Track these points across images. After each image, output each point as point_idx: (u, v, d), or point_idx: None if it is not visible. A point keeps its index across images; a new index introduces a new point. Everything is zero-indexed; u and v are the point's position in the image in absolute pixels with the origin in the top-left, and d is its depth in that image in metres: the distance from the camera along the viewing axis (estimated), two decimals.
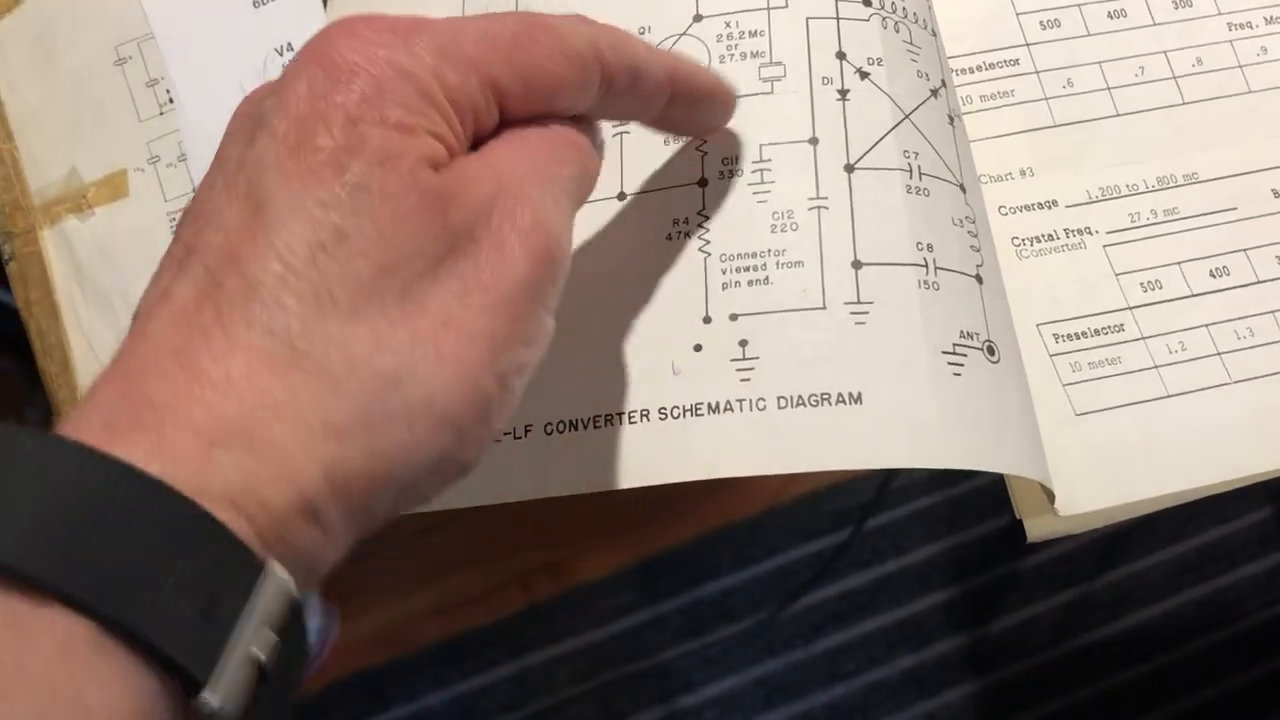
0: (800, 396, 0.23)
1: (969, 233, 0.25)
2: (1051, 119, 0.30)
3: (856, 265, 0.24)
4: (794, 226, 0.24)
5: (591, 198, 0.25)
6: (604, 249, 0.25)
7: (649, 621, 0.88)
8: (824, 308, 0.24)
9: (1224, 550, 0.90)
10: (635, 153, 0.26)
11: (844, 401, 0.23)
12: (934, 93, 0.27)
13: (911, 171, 0.25)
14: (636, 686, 0.86)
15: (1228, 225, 0.29)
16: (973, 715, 0.87)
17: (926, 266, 0.24)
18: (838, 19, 0.26)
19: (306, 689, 0.79)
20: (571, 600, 0.88)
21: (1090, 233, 0.29)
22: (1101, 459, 0.26)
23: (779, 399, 0.23)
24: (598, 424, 0.24)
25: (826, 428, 0.23)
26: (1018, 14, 0.31)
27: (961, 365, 0.24)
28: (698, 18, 0.27)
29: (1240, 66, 0.31)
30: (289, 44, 0.31)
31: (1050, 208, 0.29)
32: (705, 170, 0.25)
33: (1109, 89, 0.31)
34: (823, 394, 0.23)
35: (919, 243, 0.24)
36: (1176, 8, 0.31)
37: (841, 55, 0.26)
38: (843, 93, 0.26)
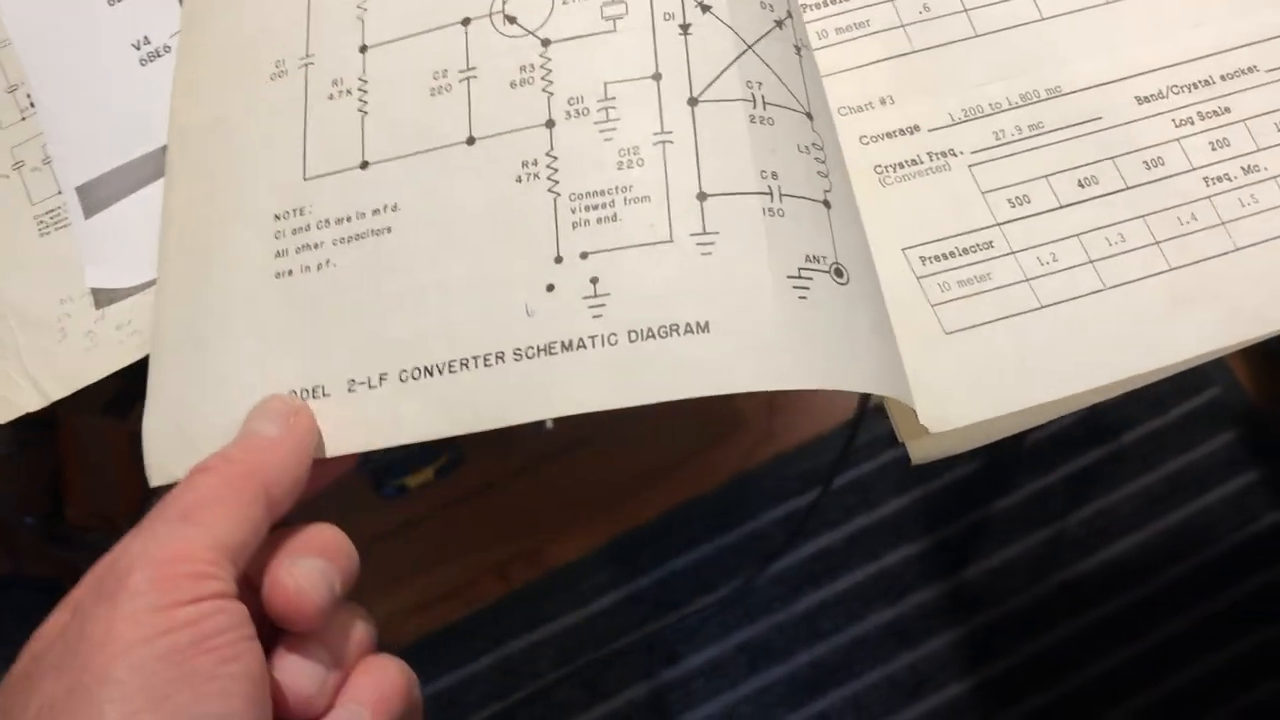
0: (650, 329, 0.23)
1: (816, 159, 0.26)
2: (910, 45, 0.30)
3: (702, 197, 0.24)
4: (640, 162, 0.25)
5: (440, 144, 0.25)
6: (454, 194, 0.26)
7: (628, 598, 0.88)
8: (671, 240, 0.24)
9: (1192, 477, 0.91)
10: (483, 97, 0.26)
11: (692, 331, 0.23)
12: (779, 23, 0.27)
13: (755, 101, 0.25)
14: (621, 664, 0.87)
15: (1093, 135, 0.30)
16: (955, 662, 0.87)
17: (771, 194, 0.25)
18: None
19: None
20: (549, 585, 0.88)
21: (954, 154, 0.29)
22: (974, 374, 0.27)
23: (630, 333, 0.24)
24: (453, 368, 0.24)
25: (676, 358, 0.23)
26: None
27: (808, 288, 0.24)
28: None
29: None
30: (145, 38, 0.31)
31: (913, 133, 0.30)
32: (552, 111, 0.26)
33: (966, 11, 0.31)
34: (671, 325, 0.23)
35: (763, 171, 0.25)
36: None
37: None
38: (684, 27, 0.26)
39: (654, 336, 0.23)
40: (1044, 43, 0.31)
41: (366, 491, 0.86)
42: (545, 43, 0.26)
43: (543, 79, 0.26)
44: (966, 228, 0.28)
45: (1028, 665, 0.87)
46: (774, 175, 0.25)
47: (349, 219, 0.26)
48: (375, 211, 0.26)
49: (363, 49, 0.28)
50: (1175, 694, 0.87)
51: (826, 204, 0.25)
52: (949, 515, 0.91)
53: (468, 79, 0.27)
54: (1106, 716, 0.86)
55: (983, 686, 0.87)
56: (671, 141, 0.25)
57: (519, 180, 0.25)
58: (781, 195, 0.25)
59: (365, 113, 0.27)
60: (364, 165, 0.27)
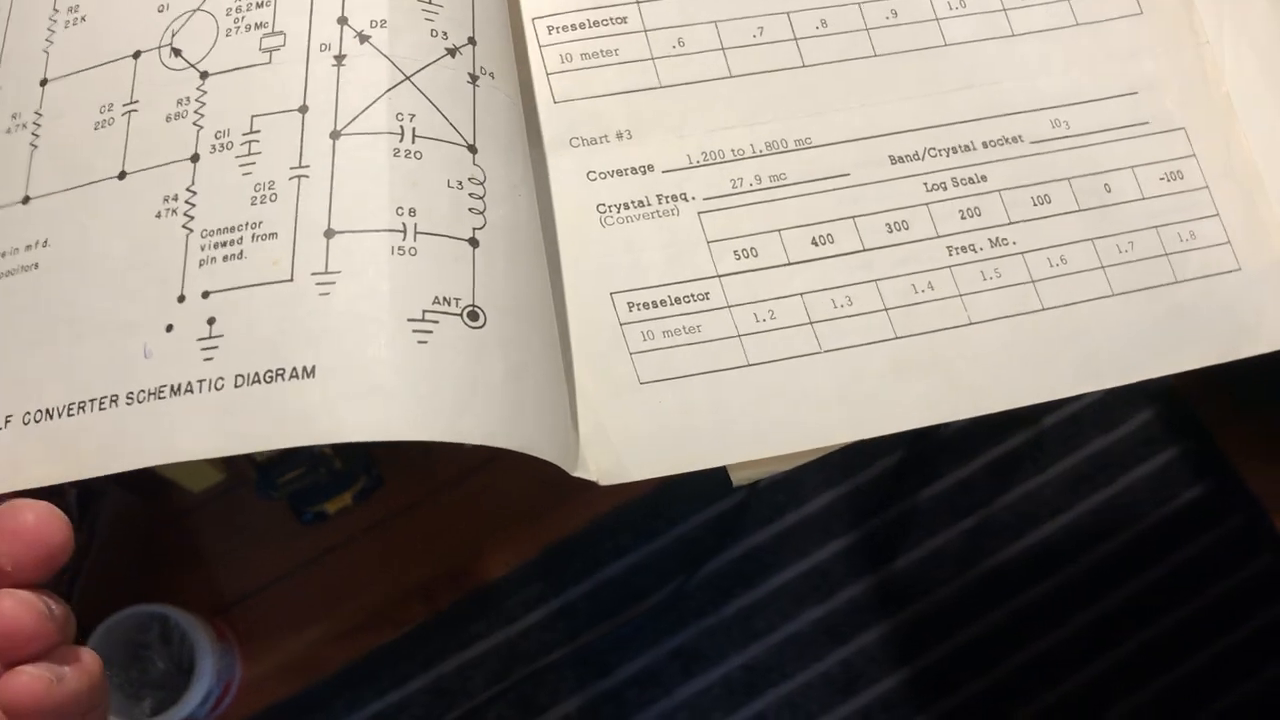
0: (257, 373, 0.22)
1: (470, 195, 0.25)
2: (657, 80, 0.29)
3: (329, 234, 0.23)
4: (273, 198, 0.24)
5: (95, 178, 0.25)
6: (100, 230, 0.25)
7: (558, 611, 0.88)
8: (291, 280, 0.23)
9: (1114, 457, 0.91)
10: (140, 130, 0.26)
11: (297, 376, 0.22)
12: (451, 51, 0.26)
13: (403, 134, 0.24)
14: (553, 678, 0.87)
15: (838, 192, 0.29)
16: (888, 656, 0.88)
17: (404, 232, 0.24)
18: None
19: None
20: (477, 603, 0.88)
21: (686, 199, 0.28)
22: (663, 428, 0.26)
23: (237, 377, 0.23)
24: (71, 412, 0.23)
25: (279, 404, 0.22)
26: None
27: (430, 332, 0.23)
28: None
29: (867, 29, 0.30)
30: None
31: (646, 172, 0.29)
32: (199, 145, 0.25)
33: (724, 50, 0.30)
34: (278, 369, 0.22)
35: (400, 208, 0.24)
36: None
37: (343, 20, 0.25)
38: (339, 58, 0.25)
39: (260, 381, 0.22)
40: (802, 91, 0.30)
41: (287, 519, 0.85)
42: (204, 75, 0.25)
43: (195, 112, 0.25)
44: (684, 276, 0.28)
45: (961, 654, 0.87)
46: (411, 212, 0.24)
47: (4, 255, 0.26)
48: (28, 247, 0.25)
49: (43, 82, 0.27)
50: (1108, 672, 0.87)
51: (473, 242, 0.24)
52: (876, 508, 0.91)
53: (129, 112, 0.26)
54: (1041, 699, 0.87)
55: (917, 678, 0.87)
56: (307, 176, 0.24)
57: (158, 216, 0.24)
58: (417, 233, 0.24)
59: (36, 146, 0.26)
60: (25, 200, 0.26)
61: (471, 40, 0.26)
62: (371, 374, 0.22)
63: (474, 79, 0.26)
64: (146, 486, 0.85)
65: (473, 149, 0.25)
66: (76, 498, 0.75)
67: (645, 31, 0.29)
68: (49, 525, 0.21)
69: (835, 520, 0.90)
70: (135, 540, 0.84)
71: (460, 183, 0.25)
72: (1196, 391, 0.89)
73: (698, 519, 0.91)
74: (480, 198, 0.25)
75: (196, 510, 0.86)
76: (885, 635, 0.88)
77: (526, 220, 0.26)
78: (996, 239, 0.29)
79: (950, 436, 0.91)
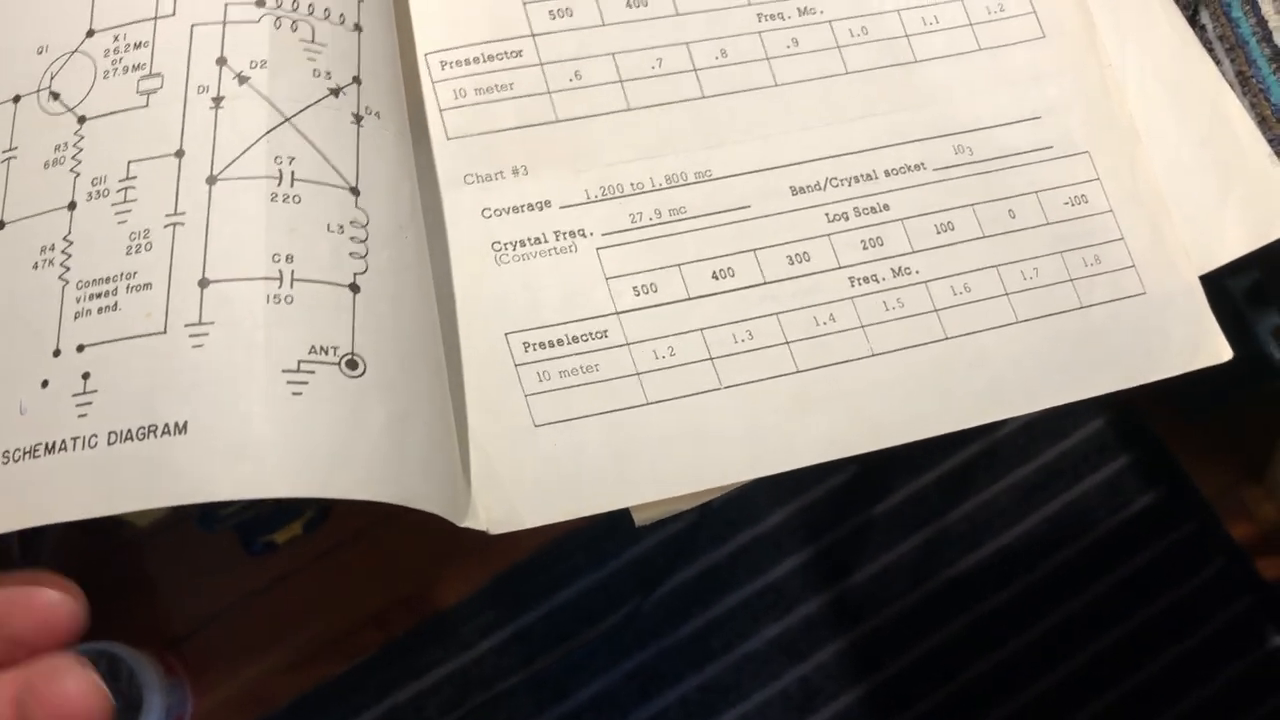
0: (130, 430, 0.22)
1: (351, 239, 0.24)
2: (554, 114, 0.29)
3: (204, 284, 0.23)
4: (148, 247, 0.23)
5: None
6: None
7: (513, 637, 0.87)
8: (164, 332, 0.22)
9: (1067, 465, 0.91)
10: (18, 178, 0.25)
11: (169, 433, 0.21)
12: (335, 91, 0.25)
13: (281, 178, 0.24)
14: (510, 704, 0.86)
15: (738, 224, 0.29)
16: (845, 672, 0.87)
17: (280, 279, 0.23)
18: (224, 23, 0.25)
19: None
20: (431, 631, 0.87)
21: (584, 235, 0.28)
22: (558, 472, 0.26)
23: (110, 434, 0.22)
24: None
25: (152, 462, 0.21)
26: (524, 3, 0.29)
27: (305, 383, 0.22)
28: (90, 33, 0.25)
29: (768, 59, 0.30)
30: None
31: (542, 209, 0.28)
32: (76, 192, 0.24)
33: (621, 82, 0.29)
34: (150, 426, 0.22)
35: (276, 254, 0.23)
36: None
37: (222, 60, 0.24)
38: (217, 100, 0.24)
39: (133, 438, 0.22)
40: (702, 122, 0.29)
41: (236, 550, 0.84)
42: (81, 120, 0.24)
43: (73, 158, 0.24)
44: (582, 315, 0.27)
45: (918, 667, 0.87)
46: (289, 259, 0.23)
47: None
48: None
49: None
50: (1067, 679, 0.87)
51: (354, 288, 0.24)
52: (830, 523, 0.91)
53: (8, 159, 0.25)
54: (1000, 709, 0.87)
55: (875, 693, 0.87)
56: (182, 224, 0.23)
57: (35, 267, 0.24)
58: (294, 280, 0.23)
59: None
60: None
61: (356, 79, 0.25)
62: (243, 429, 0.22)
63: (358, 119, 0.25)
64: (91, 521, 0.83)
65: (355, 191, 0.24)
66: (18, 534, 0.73)
67: (541, 65, 0.29)
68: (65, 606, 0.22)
69: (789, 537, 0.90)
70: (80, 576, 0.82)
71: (341, 226, 0.24)
72: (1147, 400, 0.90)
73: (652, 539, 0.90)
74: (362, 241, 0.24)
75: (144, 543, 0.85)
76: (843, 651, 0.88)
77: (414, 262, 0.25)
78: (899, 268, 0.29)
79: (903, 449, 0.91)
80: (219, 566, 0.85)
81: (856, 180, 0.29)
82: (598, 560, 0.90)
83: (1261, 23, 0.31)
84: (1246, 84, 0.32)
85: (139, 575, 0.85)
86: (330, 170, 0.24)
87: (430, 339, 0.25)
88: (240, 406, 0.22)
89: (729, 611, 0.89)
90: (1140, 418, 0.91)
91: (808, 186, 0.29)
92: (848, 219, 0.29)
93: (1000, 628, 0.89)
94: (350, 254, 0.24)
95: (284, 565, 0.86)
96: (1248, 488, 0.90)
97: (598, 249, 0.28)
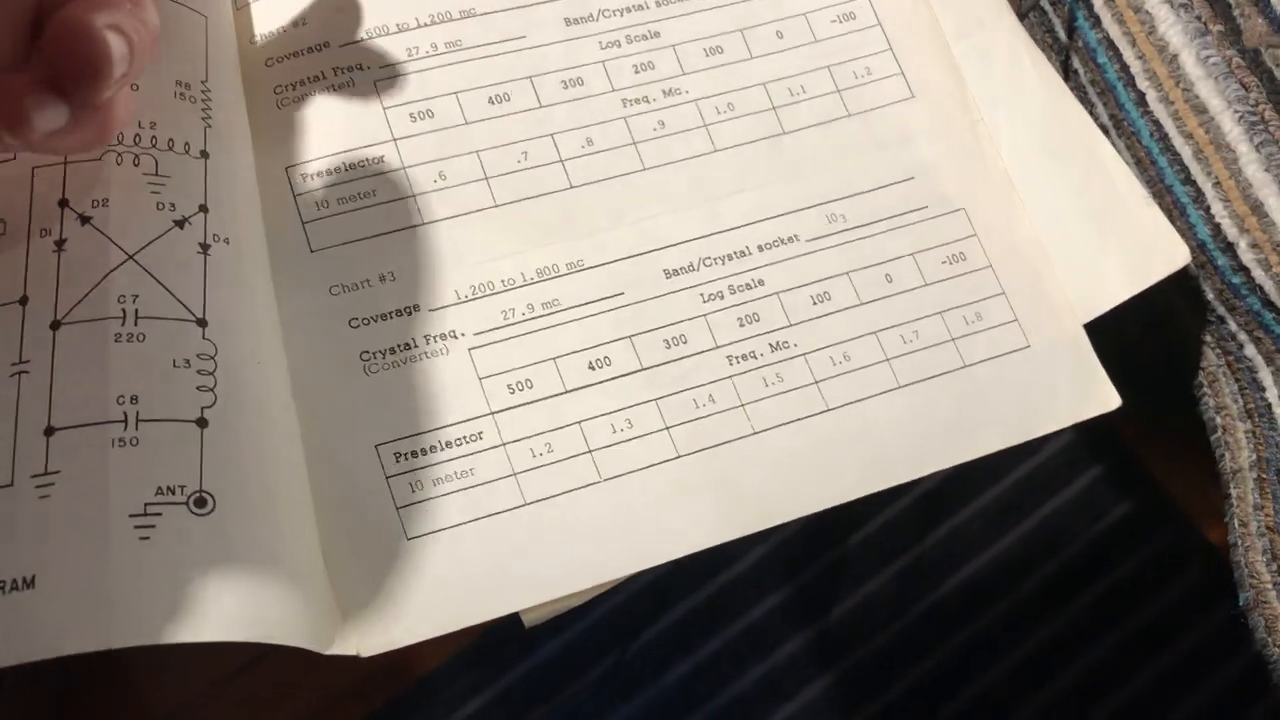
0: None
1: (198, 372, 0.24)
2: (420, 217, 0.29)
3: (49, 432, 0.23)
4: None
5: None
6: None
7: (496, 698, 0.87)
8: (11, 485, 0.22)
9: (1038, 482, 0.91)
10: None
11: (18, 588, 0.21)
12: (180, 223, 0.25)
13: (125, 318, 0.24)
14: None
15: (613, 312, 0.29)
16: (831, 708, 0.87)
17: (125, 422, 0.23)
18: (66, 163, 0.25)
19: None
20: (412, 698, 0.86)
21: (456, 336, 0.28)
22: (435, 586, 0.25)
23: None
24: None
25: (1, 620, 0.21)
26: (385, 108, 0.29)
27: (153, 526, 0.22)
28: None
29: (635, 144, 0.30)
30: None
31: (411, 314, 0.28)
32: None
33: (487, 179, 0.29)
34: None
35: (121, 396, 0.23)
36: (566, 87, 0.30)
37: (64, 202, 0.24)
38: (60, 243, 0.24)
39: None
40: (571, 212, 0.29)
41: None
42: None
43: None
44: (456, 418, 0.27)
45: (904, 698, 0.87)
46: (134, 400, 0.23)
47: None
48: None
49: None
50: (1054, 698, 0.86)
51: (202, 423, 0.23)
52: (807, 559, 0.90)
53: None
54: None
55: None
56: (27, 372, 0.23)
57: None
58: (139, 421, 0.23)
59: None
60: None
61: (204, 207, 0.25)
62: (91, 580, 0.21)
63: (205, 248, 0.25)
64: None
65: (202, 322, 0.24)
66: None
67: (405, 169, 0.29)
68: None
69: (767, 576, 0.90)
70: (53, 664, 0.82)
71: (187, 361, 0.24)
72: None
73: (630, 588, 0.90)
74: (210, 373, 0.24)
75: None
76: (829, 687, 0.87)
77: (270, 387, 0.25)
78: (777, 343, 0.29)
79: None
80: (197, 648, 0.84)
81: (730, 258, 0.29)
82: (577, 614, 0.89)
83: (1125, 69, 0.31)
84: (1119, 127, 0.32)
85: (116, 661, 0.85)
86: (175, 304, 0.24)
87: (290, 464, 0.25)
88: (87, 556, 0.21)
89: (713, 655, 0.89)
90: (1109, 427, 0.90)
91: (681, 268, 0.29)
92: (723, 298, 0.29)
93: (985, 651, 0.89)
94: (197, 388, 0.24)
95: (251, 650, 0.85)
96: (1220, 490, 0.89)
97: (470, 349, 0.27)
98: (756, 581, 0.89)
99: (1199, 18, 0.29)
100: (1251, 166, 0.28)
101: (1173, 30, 0.29)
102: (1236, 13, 0.29)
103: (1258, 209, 0.28)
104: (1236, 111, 0.28)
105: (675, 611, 0.88)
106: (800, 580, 0.89)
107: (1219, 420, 0.33)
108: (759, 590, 0.89)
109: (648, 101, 0.30)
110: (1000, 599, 0.88)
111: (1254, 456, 0.31)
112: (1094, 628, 0.86)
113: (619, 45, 0.31)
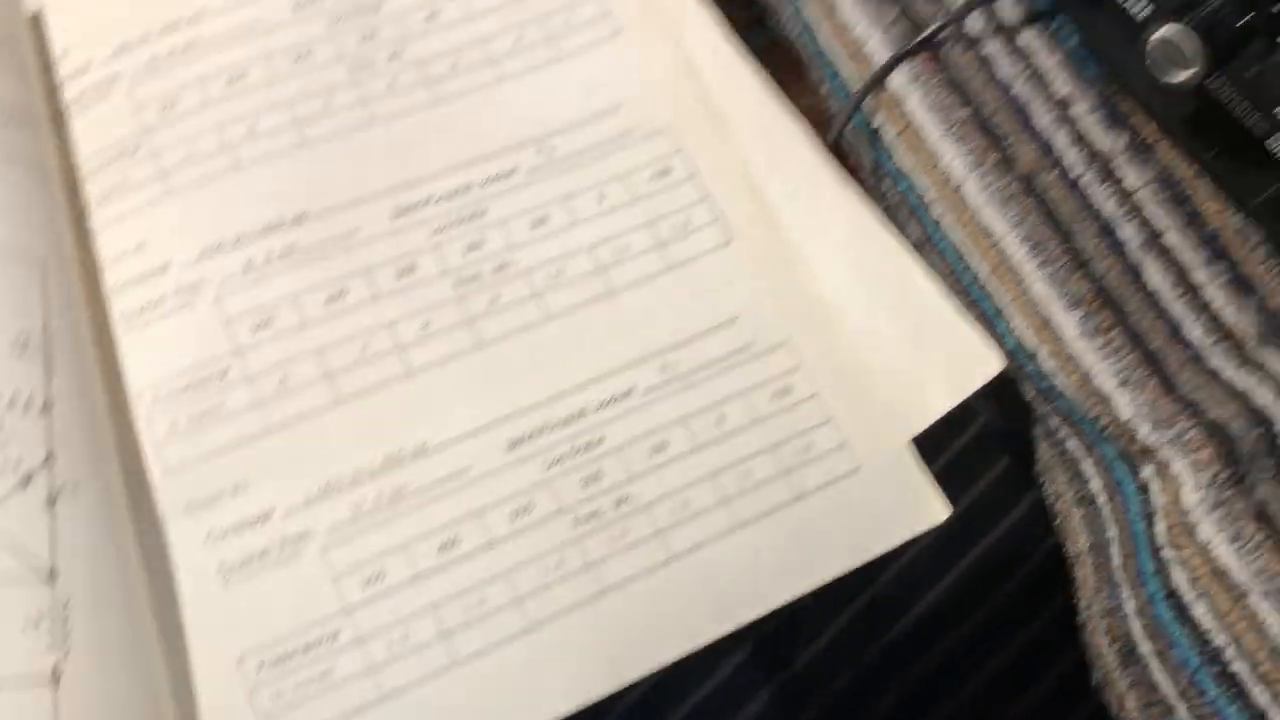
0: None
1: (49, 630, 0.25)
2: (266, 424, 0.30)
3: None
4: None
5: None
6: None
7: None
8: None
9: (980, 510, 0.92)
10: None
11: None
12: (24, 480, 0.26)
13: None
14: None
15: (460, 491, 0.30)
16: None
17: None
18: None
19: None
20: None
21: (308, 537, 0.29)
22: None
23: None
24: None
25: None
26: (225, 322, 0.31)
27: None
28: None
29: (470, 321, 0.32)
30: None
31: (264, 521, 0.29)
32: None
33: (329, 377, 0.31)
34: None
35: None
36: (400, 276, 0.32)
37: None
38: None
39: None
40: (413, 397, 0.31)
41: None
42: None
43: None
44: (313, 619, 0.28)
45: None
46: None
47: None
48: None
49: None
50: (1027, 712, 0.88)
51: (55, 678, 0.24)
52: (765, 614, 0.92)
53: None
54: None
55: None
56: None
57: None
58: None
59: None
60: None
61: (49, 458, 0.27)
62: None
63: (53, 500, 0.26)
64: None
65: (52, 575, 0.26)
66: None
67: (248, 379, 0.30)
68: None
69: (728, 635, 0.91)
70: None
71: (38, 619, 0.25)
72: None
73: None
74: (63, 624, 0.25)
75: None
76: None
77: (126, 626, 0.26)
78: (620, 499, 0.30)
79: None
80: None
81: (570, 421, 0.31)
82: None
83: (921, 196, 0.33)
84: (929, 244, 0.34)
85: None
86: (20, 565, 0.25)
87: (151, 701, 0.26)
88: None
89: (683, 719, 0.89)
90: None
91: (523, 438, 0.31)
92: (564, 461, 0.31)
93: (945, 682, 0.90)
94: (48, 646, 0.25)
95: None
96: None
97: (323, 549, 0.29)
98: (714, 644, 0.90)
99: (975, 149, 0.31)
100: (1037, 285, 0.30)
101: (955, 163, 0.31)
102: (1007, 142, 0.31)
103: (1047, 323, 0.30)
104: (1017, 235, 0.31)
105: (643, 680, 0.90)
106: (761, 631, 0.90)
107: (1058, 507, 0.35)
108: (722, 650, 0.90)
109: (480, 279, 0.32)
110: (956, 627, 0.90)
111: (1089, 542, 0.33)
112: (1060, 639, 0.88)
113: (448, 228, 0.32)
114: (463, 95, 0.34)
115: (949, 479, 0.93)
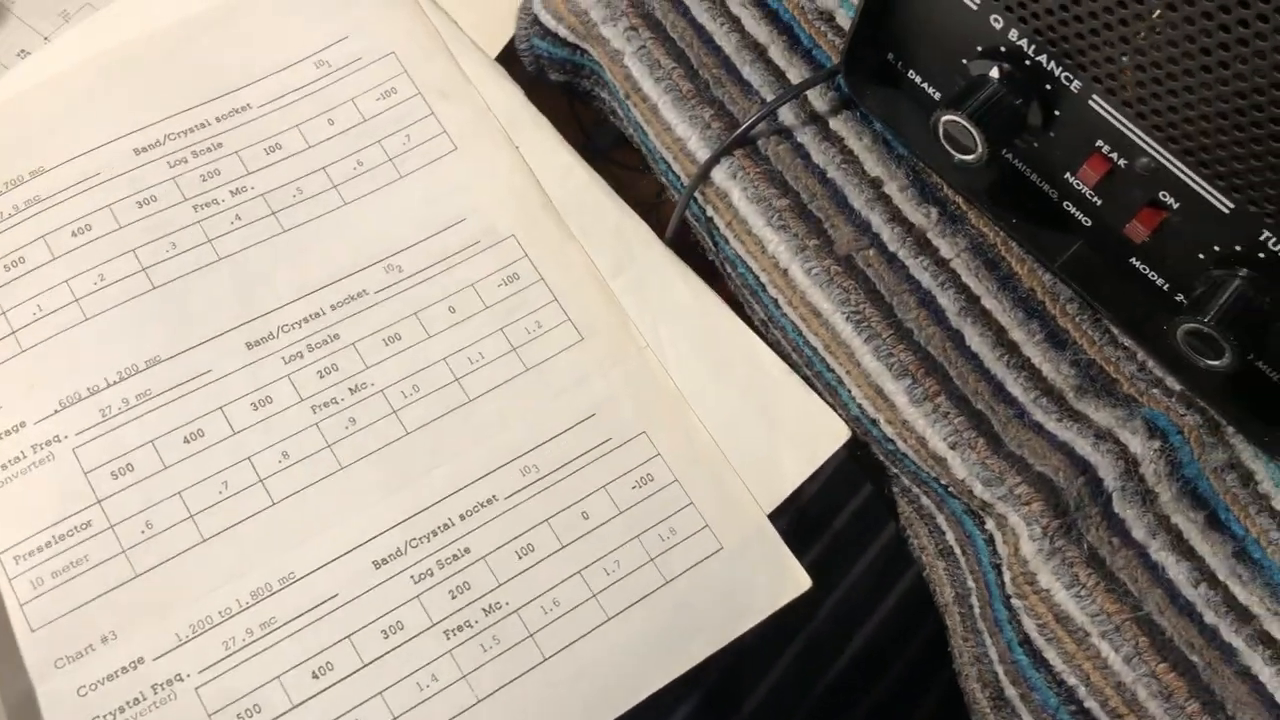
0: None
1: None
2: (132, 570, 0.30)
3: None
4: None
5: None
6: None
7: None
8: None
9: (903, 540, 0.94)
10: None
11: None
12: None
13: None
14: None
15: (329, 616, 0.31)
16: None
17: None
18: None
19: None
20: None
21: (180, 679, 0.29)
22: None
23: None
24: None
25: None
26: (85, 472, 0.31)
27: None
28: None
29: (329, 446, 0.32)
30: None
31: (136, 668, 0.29)
32: None
33: (192, 517, 0.31)
34: None
35: None
36: (256, 408, 0.33)
37: None
38: None
39: None
40: (276, 528, 0.31)
41: None
42: None
43: None
44: None
45: None
46: None
47: None
48: None
49: None
50: None
51: None
52: (705, 663, 0.92)
53: None
54: None
55: None
56: None
57: None
58: None
59: None
60: None
61: None
62: None
63: None
64: None
65: None
66: None
67: (112, 528, 0.31)
68: None
69: (671, 685, 0.91)
70: None
71: None
72: None
73: None
74: None
75: None
76: None
77: None
78: (490, 606, 0.31)
79: None
80: None
81: (434, 534, 0.32)
82: None
83: (757, 279, 0.34)
84: (772, 322, 0.35)
85: None
86: None
87: None
88: None
89: None
90: None
91: (389, 556, 0.32)
92: (432, 574, 0.31)
93: (899, 708, 0.91)
94: None
95: None
96: None
97: (197, 688, 0.29)
98: (662, 691, 0.90)
99: (796, 235, 0.33)
100: (866, 358, 0.32)
101: (779, 249, 0.33)
102: (827, 225, 0.33)
103: (881, 392, 0.32)
104: (843, 313, 0.32)
105: None
106: (705, 683, 0.91)
107: (924, 559, 0.36)
108: (671, 703, 0.90)
109: (336, 403, 0.33)
110: (898, 656, 0.91)
111: (953, 593, 0.35)
112: None
113: (301, 356, 0.33)
114: (308, 222, 0.35)
115: (872, 510, 0.94)
